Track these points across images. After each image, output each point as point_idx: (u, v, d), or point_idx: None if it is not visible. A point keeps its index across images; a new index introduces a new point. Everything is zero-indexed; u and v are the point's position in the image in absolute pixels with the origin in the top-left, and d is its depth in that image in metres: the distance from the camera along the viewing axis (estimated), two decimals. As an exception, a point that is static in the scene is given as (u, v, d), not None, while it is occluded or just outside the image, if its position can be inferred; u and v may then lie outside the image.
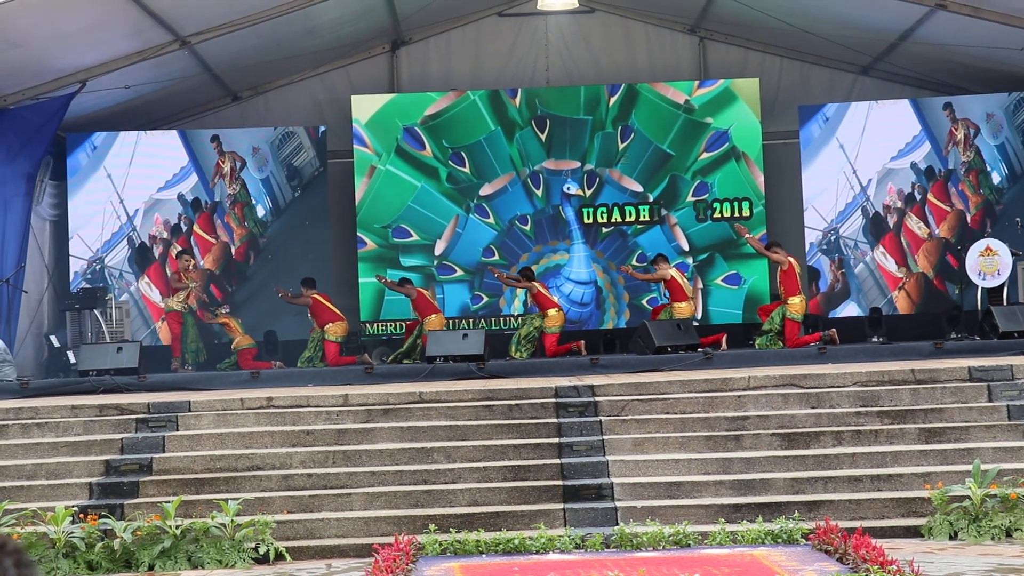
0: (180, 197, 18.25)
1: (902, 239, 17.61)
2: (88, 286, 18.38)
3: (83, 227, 17.75)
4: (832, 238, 18.04)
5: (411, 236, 19.36)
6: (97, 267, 17.84)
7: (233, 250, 18.36)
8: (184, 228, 18.20)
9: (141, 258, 18.03)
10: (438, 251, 19.42)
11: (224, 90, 20.08)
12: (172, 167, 18.32)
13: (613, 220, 19.46)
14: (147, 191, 18.10)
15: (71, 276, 17.89)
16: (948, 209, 17.67)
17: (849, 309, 18.09)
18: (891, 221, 17.70)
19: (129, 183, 17.85)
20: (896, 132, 17.85)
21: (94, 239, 17.73)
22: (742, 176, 19.31)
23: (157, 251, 18.08)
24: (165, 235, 17.96)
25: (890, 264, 17.54)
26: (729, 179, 19.33)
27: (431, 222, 19.40)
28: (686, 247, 19.41)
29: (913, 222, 17.50)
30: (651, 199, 19.45)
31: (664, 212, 19.41)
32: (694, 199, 19.31)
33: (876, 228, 17.89)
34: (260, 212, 18.55)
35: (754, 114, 19.41)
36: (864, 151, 17.71)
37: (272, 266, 18.75)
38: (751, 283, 19.28)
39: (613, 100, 19.55)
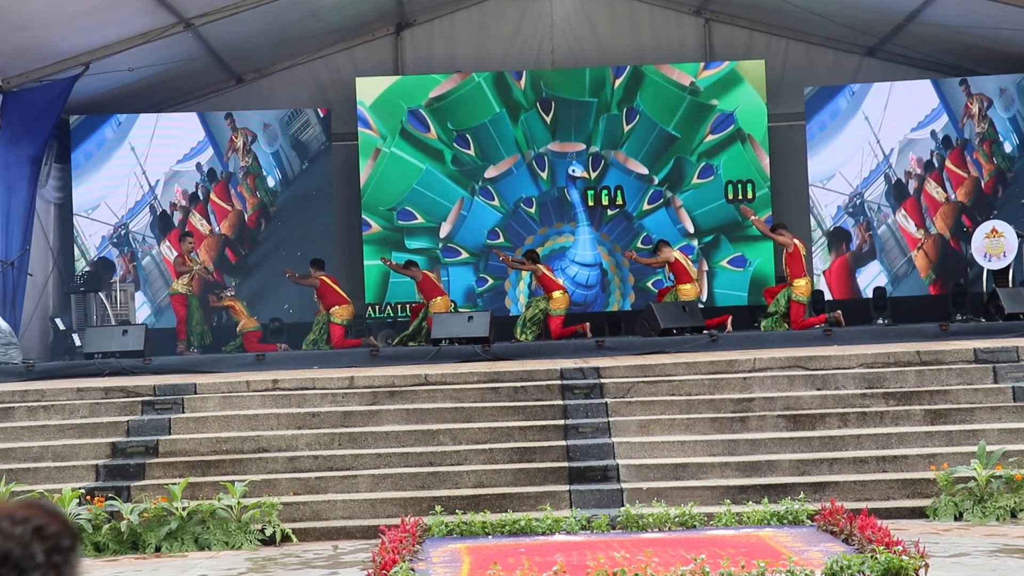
0: (198, 167, 18.89)
1: (921, 202, 18.34)
2: (99, 261, 18.48)
3: (109, 195, 18.45)
4: (857, 202, 18.60)
5: (416, 219, 19.35)
6: (122, 232, 18.52)
7: (246, 217, 19.01)
8: (201, 196, 18.92)
9: (163, 224, 18.70)
10: (443, 233, 19.40)
11: (228, 73, 20.05)
12: (190, 141, 18.92)
13: (618, 203, 19.42)
14: (167, 163, 18.78)
15: (98, 241, 18.58)
16: (964, 175, 18.47)
17: (873, 266, 18.61)
18: (911, 187, 18.49)
19: (151, 156, 18.60)
20: (916, 105, 18.62)
21: (120, 206, 18.47)
22: (747, 158, 19.27)
23: (177, 218, 18.79)
24: (184, 203, 18.70)
25: (910, 226, 18.33)
26: (734, 161, 19.31)
27: (436, 204, 19.37)
28: (691, 229, 19.39)
29: (932, 187, 18.33)
30: (656, 181, 19.40)
31: (670, 194, 19.36)
32: (701, 181, 19.26)
33: (898, 193, 18.57)
34: (270, 183, 19.17)
35: (760, 96, 19.36)
36: (887, 122, 18.47)
37: (282, 232, 19.17)
38: (756, 265, 19.25)
39: (619, 82, 19.50)
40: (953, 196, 18.58)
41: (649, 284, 19.28)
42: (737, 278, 19.28)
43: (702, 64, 19.67)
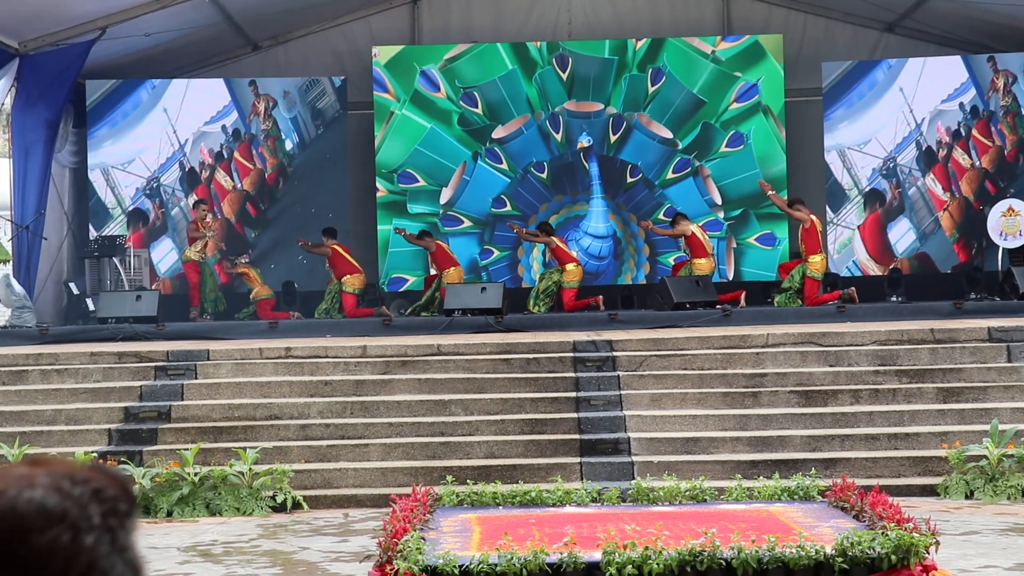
0: (223, 128, 19.72)
1: (949, 168, 19.31)
2: (117, 230, 18.61)
3: (144, 151, 19.44)
4: (891, 165, 19.32)
5: (417, 181, 19.08)
6: (154, 185, 19.43)
7: (266, 175, 19.81)
8: (226, 155, 19.78)
9: (190, 179, 19.59)
10: (443, 200, 18.92)
11: (244, 40, 20.02)
12: (217, 105, 19.71)
13: (630, 180, 19.08)
14: (196, 124, 19.60)
15: (132, 192, 19.47)
16: (989, 144, 19.41)
17: (903, 224, 19.31)
18: (940, 154, 19.44)
19: (181, 117, 19.51)
20: (947, 79, 19.52)
21: (152, 162, 19.46)
22: (770, 130, 19.08)
23: (204, 175, 19.66)
24: (210, 161, 19.68)
25: (937, 189, 19.31)
26: (758, 133, 19.07)
27: (440, 167, 18.97)
28: (719, 201, 19.03)
29: (959, 154, 19.35)
30: (680, 147, 18.96)
31: (698, 163, 18.95)
32: (729, 149, 18.98)
33: (928, 158, 19.41)
34: (288, 146, 19.83)
35: (779, 70, 19.17)
36: (920, 94, 19.36)
37: (298, 190, 19.69)
38: (786, 243, 18.98)
39: (640, 44, 19.01)
40: (978, 163, 19.42)
41: (671, 260, 18.76)
42: (765, 256, 19.00)
43: (719, 37, 19.48)
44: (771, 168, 18.98)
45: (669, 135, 18.90)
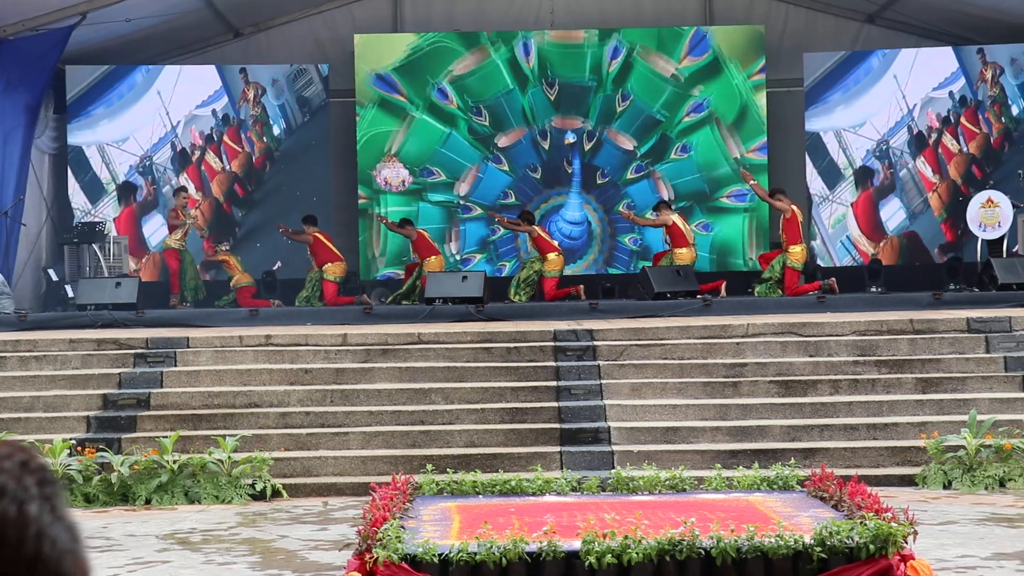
0: (213, 113, 20.20)
1: (939, 152, 20.13)
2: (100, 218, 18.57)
3: (137, 131, 19.94)
4: (883, 148, 20.13)
5: (435, 175, 20.24)
6: (147, 163, 19.88)
7: (254, 159, 20.28)
8: (216, 138, 20.24)
9: (182, 159, 20.06)
10: (461, 192, 20.34)
11: (226, 26, 19.96)
12: (208, 90, 20.17)
13: (599, 182, 20.22)
14: (188, 108, 20.09)
15: (125, 169, 19.85)
16: (977, 132, 20.15)
17: (894, 203, 20.09)
18: (931, 139, 20.21)
19: (174, 100, 20.03)
20: (938, 69, 20.23)
21: (146, 141, 19.98)
22: (714, 140, 20.01)
23: (194, 156, 20.13)
24: (200, 143, 20.21)
25: (927, 171, 20.10)
26: (703, 143, 20.03)
27: (455, 164, 20.21)
28: (667, 197, 20.07)
29: (948, 139, 20.15)
30: (639, 155, 20.22)
31: (652, 169, 20.34)
32: (678, 157, 20.16)
33: (918, 142, 20.12)
34: (276, 131, 20.33)
35: (742, 76, 19.71)
36: (912, 82, 20.11)
37: (284, 173, 20.12)
38: (720, 232, 20.04)
39: (614, 64, 20.05)
40: (966, 149, 20.05)
41: (626, 240, 20.05)
42: (700, 240, 19.86)
43: (684, 54, 19.71)
44: (713, 172, 20.04)
45: (631, 147, 20.39)
